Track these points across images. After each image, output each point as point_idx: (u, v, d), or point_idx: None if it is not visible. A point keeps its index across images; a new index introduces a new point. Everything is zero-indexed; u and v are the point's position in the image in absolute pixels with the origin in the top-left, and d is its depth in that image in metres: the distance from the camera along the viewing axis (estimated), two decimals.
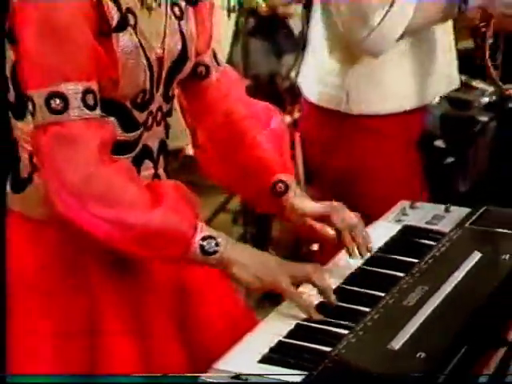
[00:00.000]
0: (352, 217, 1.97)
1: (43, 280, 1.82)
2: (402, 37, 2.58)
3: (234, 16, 3.79)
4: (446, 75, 2.81)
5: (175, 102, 2.02)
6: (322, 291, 1.78)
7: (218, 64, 2.06)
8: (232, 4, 3.79)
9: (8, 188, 1.87)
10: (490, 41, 2.80)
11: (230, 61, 4.06)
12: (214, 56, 2.05)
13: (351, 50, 2.66)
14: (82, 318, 1.82)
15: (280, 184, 2.01)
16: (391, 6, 2.50)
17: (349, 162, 2.72)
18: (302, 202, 2.02)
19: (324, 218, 1.99)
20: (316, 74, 2.81)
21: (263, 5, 4.00)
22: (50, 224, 1.79)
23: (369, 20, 2.51)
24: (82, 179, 1.67)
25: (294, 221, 2.02)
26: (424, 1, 2.58)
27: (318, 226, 2.00)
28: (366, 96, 2.69)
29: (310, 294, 1.79)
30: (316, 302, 1.78)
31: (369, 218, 2.08)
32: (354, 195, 2.50)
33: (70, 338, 1.80)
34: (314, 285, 1.78)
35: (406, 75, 2.71)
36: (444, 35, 2.77)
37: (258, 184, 2.04)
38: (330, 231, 1.98)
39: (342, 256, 1.98)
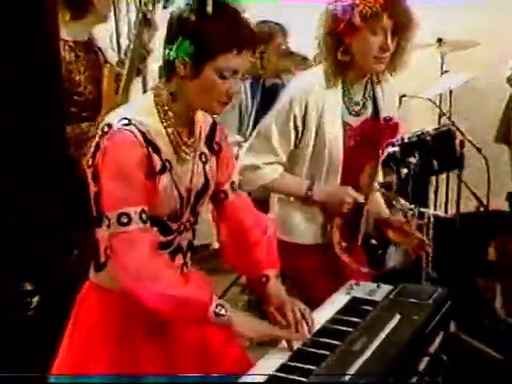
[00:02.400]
0: (298, 313, 1.87)
1: (105, 332, 1.83)
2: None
3: None
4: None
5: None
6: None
7: (235, 190, 2.02)
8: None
9: (92, 267, 1.88)
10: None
11: None
12: (232, 185, 2.01)
13: None
14: (128, 364, 1.81)
15: (264, 278, 1.97)
16: (257, 169, 2.38)
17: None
18: (276, 293, 1.95)
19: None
20: None
21: None
22: (116, 294, 1.80)
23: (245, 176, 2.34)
24: (140, 268, 1.71)
25: (266, 303, 1.96)
26: (287, 177, 2.41)
27: (277, 315, 1.90)
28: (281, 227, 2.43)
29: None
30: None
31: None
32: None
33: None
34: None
35: (303, 219, 2.47)
36: None
37: (251, 274, 2.02)
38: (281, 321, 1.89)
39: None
